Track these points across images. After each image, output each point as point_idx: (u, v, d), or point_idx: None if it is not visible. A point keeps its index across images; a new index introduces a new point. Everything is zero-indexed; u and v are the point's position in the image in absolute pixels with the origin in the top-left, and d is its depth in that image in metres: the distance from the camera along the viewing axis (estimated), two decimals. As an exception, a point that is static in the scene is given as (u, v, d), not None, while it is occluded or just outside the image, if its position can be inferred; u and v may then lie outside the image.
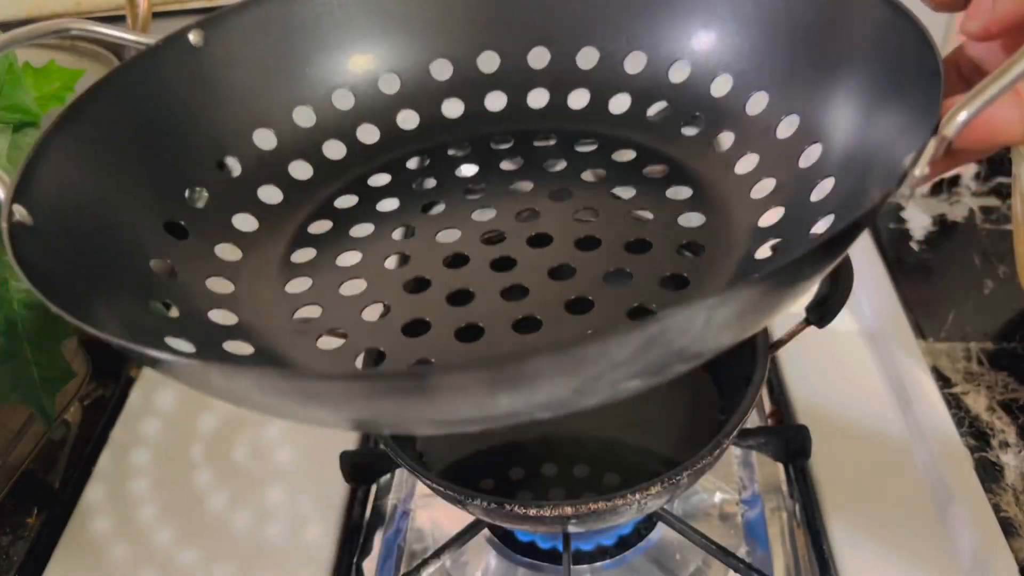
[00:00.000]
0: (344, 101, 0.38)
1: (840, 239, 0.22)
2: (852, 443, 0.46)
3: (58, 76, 0.58)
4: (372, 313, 0.31)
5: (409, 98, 0.38)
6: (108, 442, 0.52)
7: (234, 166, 0.35)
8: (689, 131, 0.36)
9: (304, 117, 0.37)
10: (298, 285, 0.33)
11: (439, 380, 0.20)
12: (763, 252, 0.30)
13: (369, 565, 0.45)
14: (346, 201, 0.36)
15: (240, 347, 0.30)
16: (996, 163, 0.64)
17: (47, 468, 0.52)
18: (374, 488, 0.49)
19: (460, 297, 0.31)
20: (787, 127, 0.32)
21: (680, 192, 0.34)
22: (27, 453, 0.52)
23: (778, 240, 0.30)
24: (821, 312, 0.40)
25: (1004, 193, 0.62)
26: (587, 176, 0.36)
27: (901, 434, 0.47)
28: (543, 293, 0.30)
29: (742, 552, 0.43)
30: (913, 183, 0.22)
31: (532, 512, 0.35)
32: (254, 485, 0.49)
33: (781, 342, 0.41)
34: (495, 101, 0.39)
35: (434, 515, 0.47)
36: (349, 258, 0.33)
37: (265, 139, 0.36)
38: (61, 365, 0.47)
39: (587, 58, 0.38)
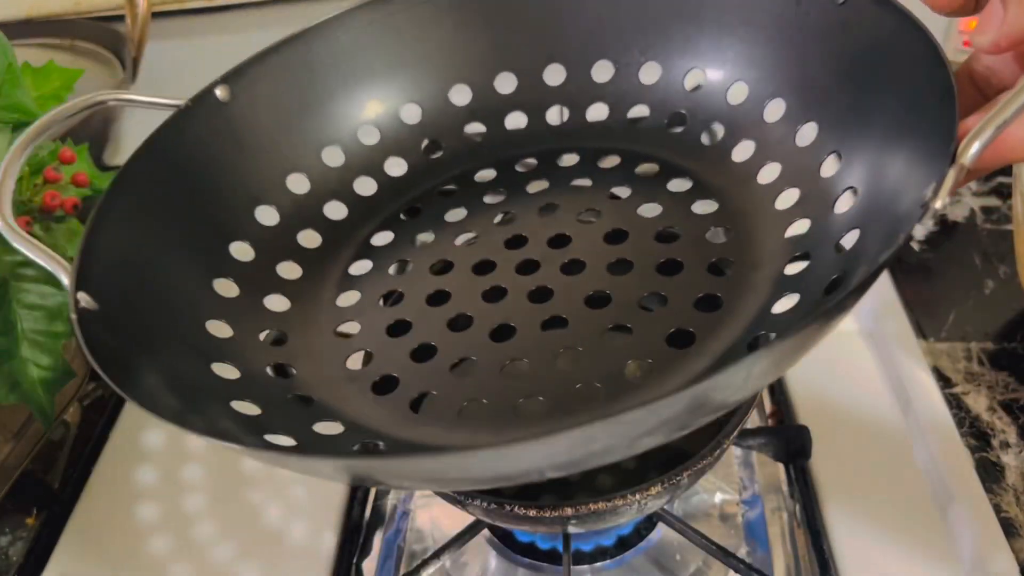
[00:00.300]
0: (370, 137, 0.38)
1: (866, 283, 0.22)
2: (852, 443, 0.46)
3: (57, 76, 0.58)
4: (421, 355, 0.32)
5: (432, 127, 0.39)
6: (108, 442, 0.52)
7: (272, 215, 0.36)
8: (709, 141, 0.36)
9: (333, 157, 0.37)
10: (347, 329, 0.33)
11: (499, 452, 0.20)
12: (792, 268, 0.30)
13: (369, 565, 0.45)
14: (382, 238, 0.37)
15: (299, 401, 0.30)
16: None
17: (47, 468, 0.52)
18: (374, 488, 0.49)
19: (502, 332, 0.31)
20: (806, 135, 0.32)
21: (706, 206, 0.34)
22: (26, 453, 0.52)
23: (806, 252, 0.30)
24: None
25: (1005, 193, 0.62)
26: (613, 194, 0.36)
27: (901, 434, 0.47)
28: (582, 322, 0.31)
29: (742, 552, 0.43)
30: (934, 213, 0.23)
31: (532, 512, 0.35)
32: (254, 485, 0.49)
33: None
34: (515, 121, 0.39)
35: (434, 515, 0.47)
36: (393, 298, 0.34)
37: (298, 183, 0.37)
38: (60, 365, 0.47)
39: (602, 71, 0.38)
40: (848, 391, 0.49)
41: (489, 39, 0.39)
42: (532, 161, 0.38)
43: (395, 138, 0.39)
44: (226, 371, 0.30)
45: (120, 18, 0.75)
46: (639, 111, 0.38)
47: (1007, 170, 0.63)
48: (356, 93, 0.38)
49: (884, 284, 0.55)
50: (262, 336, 0.32)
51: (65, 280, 0.27)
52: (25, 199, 0.49)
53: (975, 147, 0.22)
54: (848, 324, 0.53)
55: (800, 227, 0.31)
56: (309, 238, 0.36)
